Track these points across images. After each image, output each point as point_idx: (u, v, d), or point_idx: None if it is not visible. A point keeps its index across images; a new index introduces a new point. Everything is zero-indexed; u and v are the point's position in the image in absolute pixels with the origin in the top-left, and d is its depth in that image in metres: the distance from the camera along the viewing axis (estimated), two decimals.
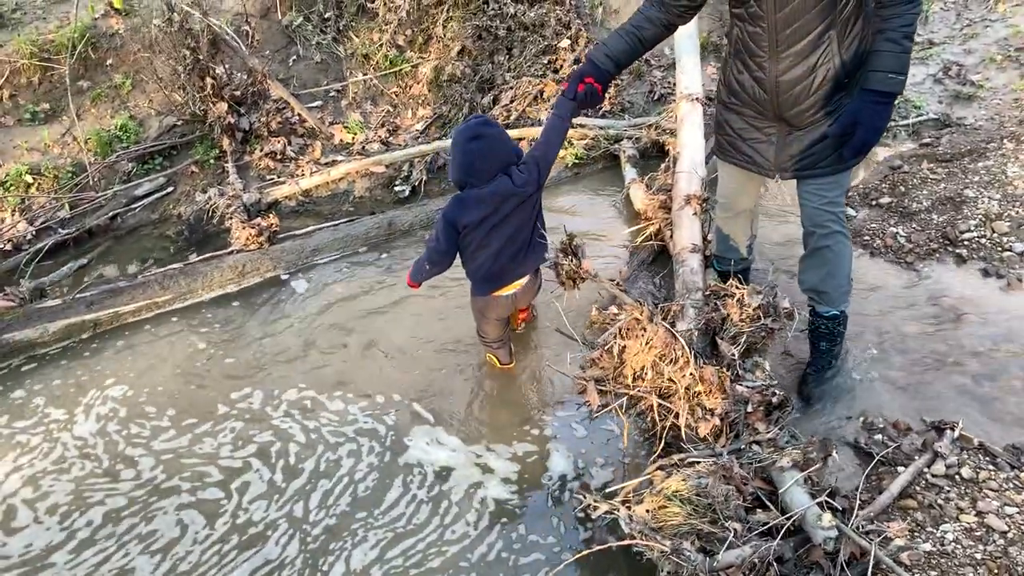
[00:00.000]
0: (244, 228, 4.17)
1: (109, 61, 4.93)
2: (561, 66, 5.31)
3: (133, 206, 4.51)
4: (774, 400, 2.68)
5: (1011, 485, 2.61)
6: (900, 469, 2.73)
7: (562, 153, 4.91)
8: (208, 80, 4.50)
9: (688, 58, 4.68)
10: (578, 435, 3.11)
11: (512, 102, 5.19)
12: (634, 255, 4.09)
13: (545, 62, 5.32)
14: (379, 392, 3.39)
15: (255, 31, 5.09)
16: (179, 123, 4.79)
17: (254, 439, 3.20)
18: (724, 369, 2.69)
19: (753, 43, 2.68)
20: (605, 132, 4.98)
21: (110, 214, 4.44)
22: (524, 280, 3.05)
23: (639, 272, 4.01)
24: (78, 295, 3.77)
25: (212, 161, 4.72)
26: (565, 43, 5.36)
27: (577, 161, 4.88)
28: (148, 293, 3.81)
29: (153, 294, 3.81)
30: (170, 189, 4.62)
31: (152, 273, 3.96)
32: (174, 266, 4.02)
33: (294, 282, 4.06)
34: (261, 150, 4.77)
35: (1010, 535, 2.40)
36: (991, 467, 2.71)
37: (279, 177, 4.72)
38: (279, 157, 4.77)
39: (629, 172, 4.62)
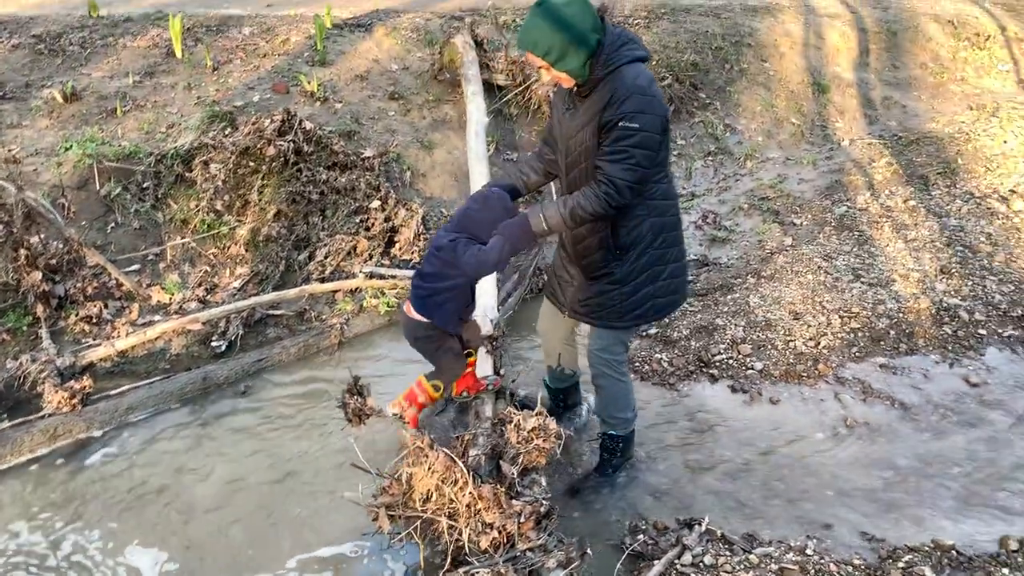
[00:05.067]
0: (56, 391, 4.26)
1: None
2: (372, 224, 5.81)
3: None
4: (542, 510, 3.08)
5: (741, 566, 3.10)
6: (655, 562, 3.17)
7: (375, 303, 5.35)
8: (22, 251, 4.66)
9: None
10: (380, 562, 3.39)
11: (327, 257, 5.61)
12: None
13: (357, 221, 5.81)
14: (190, 546, 3.53)
15: (71, 203, 5.30)
16: None
17: None
18: (499, 486, 3.07)
19: (558, 196, 3.26)
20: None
21: None
22: (407, 306, 3.38)
23: (449, 406, 4.41)
24: None
25: (25, 328, 4.80)
26: (376, 204, 5.89)
27: (389, 309, 5.31)
28: None
29: None
30: None
31: None
32: None
33: (103, 442, 4.15)
34: (77, 315, 4.90)
35: None
36: (728, 553, 3.20)
37: (95, 340, 4.84)
38: (95, 321, 4.91)
39: None
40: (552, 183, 3.81)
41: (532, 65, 3.09)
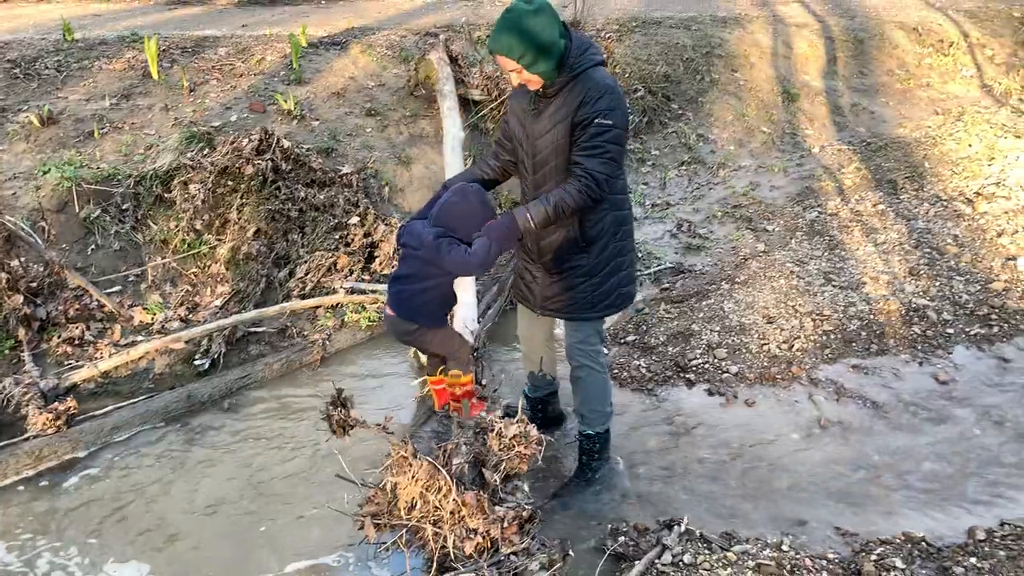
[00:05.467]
0: (41, 413, 4.28)
1: None
2: (352, 239, 5.87)
3: None
4: (525, 515, 3.15)
5: (720, 564, 3.18)
6: (636, 563, 3.24)
7: (356, 318, 5.41)
8: (2, 275, 4.69)
9: None
10: (365, 571, 3.44)
11: (307, 274, 5.66)
12: (422, 403, 4.57)
13: (337, 237, 5.87)
14: (172, 561, 3.55)
15: (51, 226, 5.33)
16: None
17: None
18: (482, 493, 3.14)
19: (522, 195, 3.38)
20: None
21: None
22: (389, 309, 3.35)
23: (430, 417, 4.48)
24: None
25: (7, 352, 4.81)
26: (355, 220, 5.95)
27: (370, 324, 5.37)
28: None
29: None
30: None
31: None
32: None
33: (87, 461, 4.18)
34: (59, 337, 4.92)
35: None
36: (707, 551, 3.27)
37: (78, 361, 4.87)
38: (77, 342, 4.94)
39: None
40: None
41: (504, 68, 3.21)
